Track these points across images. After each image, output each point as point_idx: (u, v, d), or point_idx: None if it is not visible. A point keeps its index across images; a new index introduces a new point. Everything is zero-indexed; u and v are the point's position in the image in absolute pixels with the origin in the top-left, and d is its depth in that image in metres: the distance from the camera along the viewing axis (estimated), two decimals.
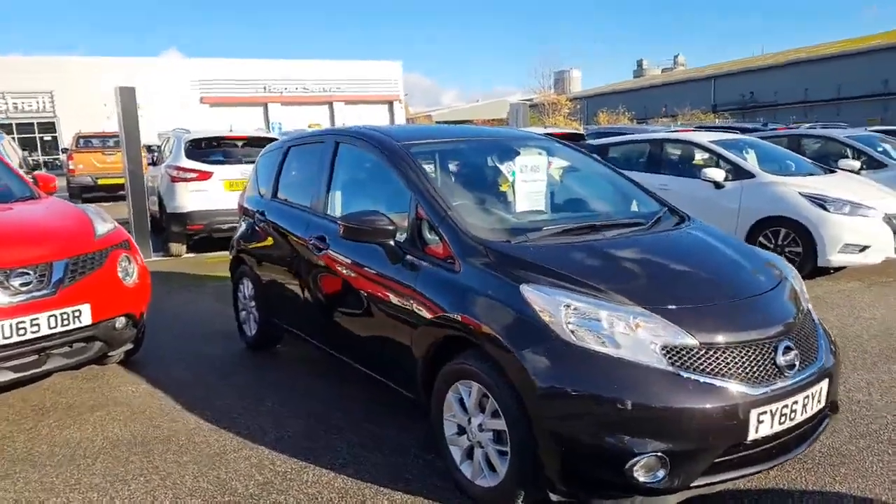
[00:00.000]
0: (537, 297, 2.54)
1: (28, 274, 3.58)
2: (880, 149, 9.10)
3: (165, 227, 9.21)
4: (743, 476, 2.49)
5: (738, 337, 2.47)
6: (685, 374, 2.35)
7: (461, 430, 2.86)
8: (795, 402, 2.48)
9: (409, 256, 3.12)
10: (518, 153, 3.86)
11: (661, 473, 2.32)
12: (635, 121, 43.45)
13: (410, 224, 3.19)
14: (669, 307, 2.51)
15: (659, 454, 2.30)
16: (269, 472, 3.10)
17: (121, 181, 16.45)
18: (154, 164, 10.76)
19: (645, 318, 2.45)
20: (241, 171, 8.81)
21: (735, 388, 2.36)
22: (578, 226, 3.17)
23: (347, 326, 3.65)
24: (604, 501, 2.49)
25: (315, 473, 3.07)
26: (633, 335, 2.41)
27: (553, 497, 2.53)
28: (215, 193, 8.66)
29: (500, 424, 2.61)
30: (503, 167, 3.76)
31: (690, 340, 2.41)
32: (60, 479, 3.07)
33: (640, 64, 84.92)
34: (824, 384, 2.63)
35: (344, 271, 3.56)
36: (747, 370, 2.42)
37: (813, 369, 2.58)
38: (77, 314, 3.72)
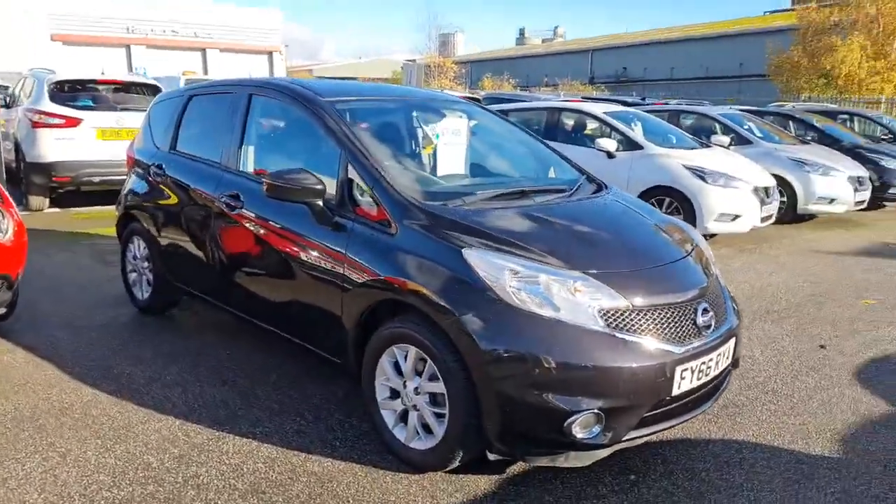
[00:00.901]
0: (481, 261, 2.54)
1: None
2: (746, 126, 9.87)
3: (24, 178, 8.28)
4: (665, 429, 2.66)
5: (663, 299, 2.61)
6: (619, 335, 2.45)
7: (394, 394, 2.84)
8: (710, 360, 2.67)
9: (337, 218, 3.01)
10: (442, 115, 3.81)
11: (596, 429, 2.43)
12: (518, 88, 44.30)
13: (340, 184, 3.06)
14: (603, 271, 2.60)
15: (595, 411, 2.40)
16: (183, 444, 2.92)
17: None
18: (7, 106, 9.60)
19: (583, 281, 2.52)
20: (115, 119, 8.12)
21: (663, 346, 2.50)
22: (509, 191, 3.19)
23: (264, 290, 3.48)
24: (539, 458, 2.57)
25: (236, 443, 2.93)
26: (573, 298, 2.48)
27: (490, 456, 2.59)
28: (85, 142, 7.90)
29: (439, 387, 2.61)
30: (427, 129, 3.70)
31: (623, 303, 2.52)
32: None
33: (521, 32, 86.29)
34: (732, 343, 2.84)
35: (261, 231, 3.37)
36: (672, 330, 2.56)
37: (723, 329, 2.78)
38: None
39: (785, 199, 8.51)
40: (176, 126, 4.28)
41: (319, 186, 2.99)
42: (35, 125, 7.76)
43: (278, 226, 3.27)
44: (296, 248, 3.16)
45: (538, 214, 2.98)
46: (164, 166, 4.20)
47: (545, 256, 2.60)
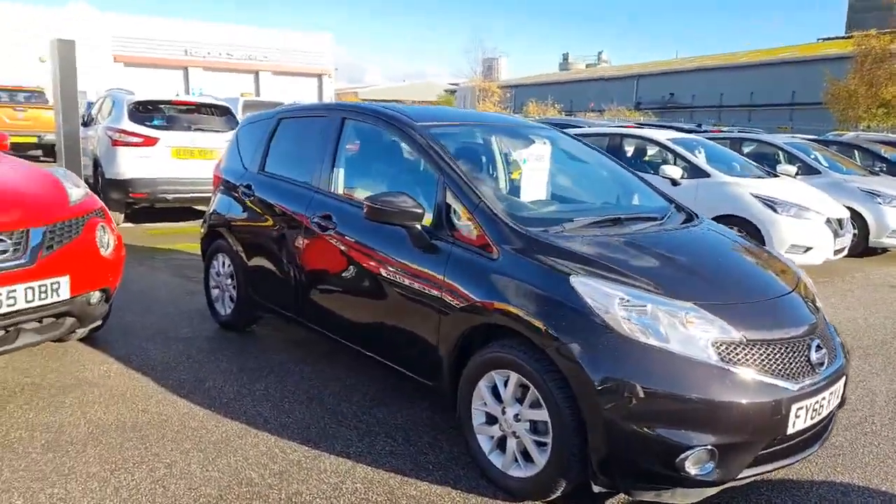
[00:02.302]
0: (589, 288, 2.53)
1: (3, 241, 3.24)
2: (812, 156, 9.67)
3: (101, 193, 8.59)
4: (777, 469, 2.59)
5: (776, 334, 2.56)
6: (733, 369, 2.41)
7: (491, 420, 2.83)
8: (823, 398, 2.59)
9: (435, 241, 3.04)
10: (527, 140, 3.84)
11: (709, 466, 2.38)
12: (563, 113, 44.31)
13: (437, 207, 3.10)
14: (714, 303, 2.56)
15: (709, 447, 2.35)
16: (282, 460, 2.96)
17: (31, 140, 15.42)
18: (85, 125, 10.01)
19: (694, 312, 2.49)
20: (189, 139, 8.40)
21: (779, 383, 2.44)
22: (605, 218, 3.18)
23: (355, 311, 3.52)
24: (644, 492, 2.53)
25: (332, 462, 2.96)
26: (685, 330, 2.44)
27: (595, 488, 2.55)
28: (161, 161, 8.19)
29: (541, 415, 2.59)
30: (515, 154, 3.73)
31: (736, 335, 2.47)
32: (51, 467, 2.81)
33: (565, 57, 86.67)
34: (842, 382, 2.76)
35: (354, 253, 3.42)
36: (787, 366, 2.50)
37: (835, 367, 2.71)
38: (56, 287, 3.41)
39: (856, 231, 8.28)
40: (265, 147, 4.40)
41: (419, 210, 3.03)
42: (115, 143, 8.08)
43: (373, 248, 3.31)
44: (391, 270, 3.20)
45: (639, 243, 2.96)
46: (253, 186, 4.31)
47: (652, 286, 2.58)
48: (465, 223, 2.99)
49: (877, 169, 10.26)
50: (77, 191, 3.88)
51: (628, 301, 2.49)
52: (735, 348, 2.45)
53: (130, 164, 8.06)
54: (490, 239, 2.85)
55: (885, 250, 8.92)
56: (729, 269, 2.97)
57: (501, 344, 2.75)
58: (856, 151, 11.27)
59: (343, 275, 3.52)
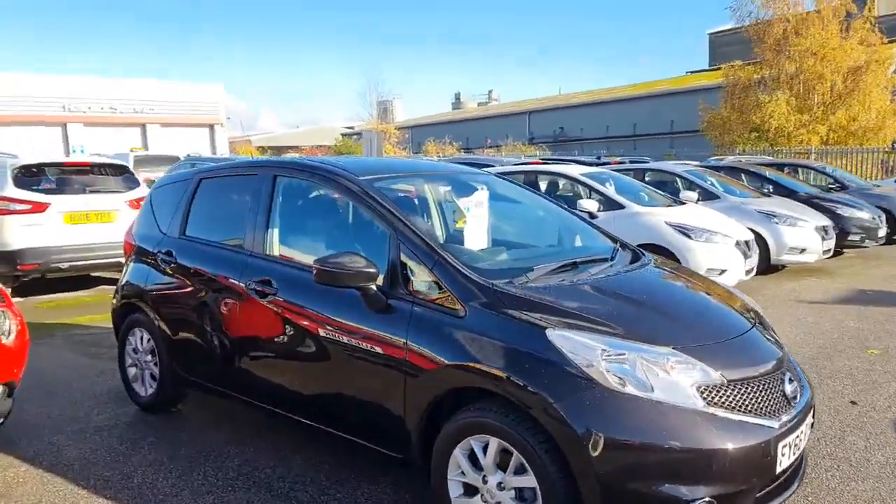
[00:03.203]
0: (567, 341, 2.43)
1: None
2: (709, 182, 10.22)
3: None
4: None
5: (752, 371, 2.55)
6: (720, 413, 2.36)
7: (470, 491, 2.64)
8: (801, 432, 2.59)
9: (392, 301, 2.85)
10: (468, 187, 3.75)
11: None
12: (462, 151, 45.16)
13: (391, 265, 2.92)
14: (690, 345, 2.52)
15: (708, 499, 2.27)
16: None
17: None
18: None
19: (675, 357, 2.43)
20: (84, 202, 7.81)
21: (764, 422, 2.42)
22: (563, 264, 3.11)
23: (305, 383, 3.25)
24: None
25: None
26: (668, 376, 2.38)
27: None
28: (53, 227, 7.53)
29: (528, 481, 2.44)
30: (458, 203, 3.62)
31: (717, 377, 2.43)
32: None
33: (458, 97, 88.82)
34: (811, 413, 2.78)
35: (300, 319, 3.17)
36: (767, 404, 2.49)
37: (805, 398, 2.73)
38: None
39: (758, 251, 8.75)
40: (185, 210, 4.07)
41: (373, 270, 2.84)
42: None
43: (322, 312, 3.08)
44: (345, 336, 2.97)
45: (604, 288, 2.90)
46: (173, 252, 3.96)
47: (629, 333, 2.51)
48: (424, 281, 2.82)
49: (765, 190, 10.97)
50: None
51: (608, 351, 2.41)
52: (717, 390, 2.41)
53: (18, 234, 7.34)
54: (455, 296, 2.70)
55: (783, 267, 9.49)
56: (694, 309, 2.97)
57: (478, 407, 2.58)
58: (742, 175, 12.03)
59: (289, 343, 3.25)
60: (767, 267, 8.99)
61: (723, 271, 7.26)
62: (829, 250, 9.35)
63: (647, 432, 2.28)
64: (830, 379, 4.76)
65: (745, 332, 2.79)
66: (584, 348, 2.41)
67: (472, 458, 2.61)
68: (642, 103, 45.60)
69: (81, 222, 7.68)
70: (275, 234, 3.49)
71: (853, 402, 4.30)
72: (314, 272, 2.87)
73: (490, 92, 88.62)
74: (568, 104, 51.72)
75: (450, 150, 43.50)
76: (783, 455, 2.45)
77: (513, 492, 2.50)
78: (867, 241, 10.42)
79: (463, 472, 2.63)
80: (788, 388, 2.59)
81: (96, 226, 7.80)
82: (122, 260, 7.82)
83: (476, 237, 3.47)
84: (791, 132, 25.00)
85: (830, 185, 12.87)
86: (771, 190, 11.16)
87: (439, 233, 3.49)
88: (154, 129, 42.11)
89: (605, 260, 3.34)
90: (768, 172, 11.99)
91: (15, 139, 31.94)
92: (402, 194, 3.55)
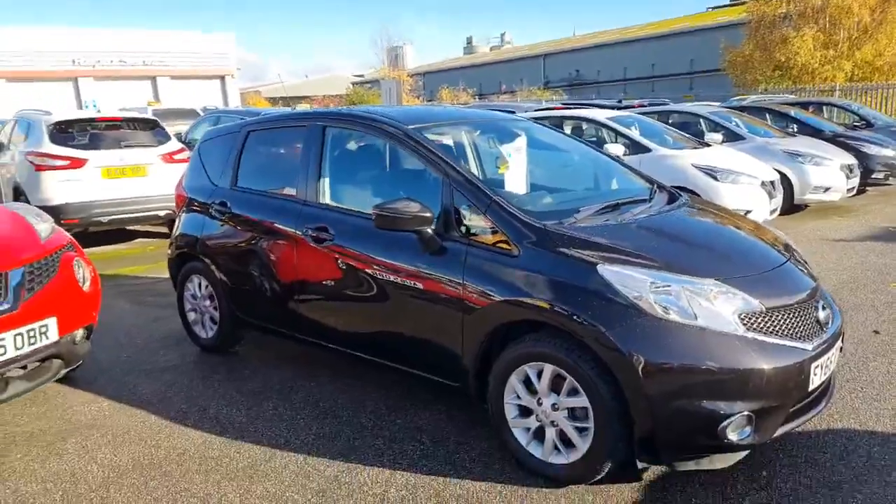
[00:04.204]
0: (619, 276, 2.62)
1: None
2: (734, 122, 10.21)
3: None
4: (800, 425, 2.77)
5: (789, 300, 2.74)
6: (760, 338, 2.56)
7: (525, 412, 2.89)
8: (832, 354, 2.80)
9: (447, 243, 3.05)
10: (509, 134, 3.91)
11: (748, 430, 2.53)
12: (475, 97, 44.70)
13: (444, 210, 3.11)
14: (731, 277, 2.71)
15: (747, 413, 2.50)
16: (318, 478, 2.93)
17: None
18: None
19: (718, 288, 2.62)
20: (119, 157, 8.00)
21: (798, 345, 2.62)
22: (606, 205, 3.28)
23: (366, 321, 3.49)
24: (685, 462, 2.66)
25: (369, 473, 2.95)
26: (711, 305, 2.58)
27: (639, 464, 2.66)
28: (92, 183, 7.75)
29: (581, 402, 2.68)
30: (502, 149, 3.78)
31: (757, 305, 2.63)
32: None
33: (469, 41, 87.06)
34: (841, 338, 2.98)
35: (358, 263, 3.39)
36: (802, 329, 2.69)
37: (836, 324, 2.92)
38: (44, 330, 3.22)
39: (782, 191, 8.82)
40: (235, 162, 4.26)
41: (428, 214, 3.03)
42: (38, 168, 7.57)
43: (379, 256, 3.29)
44: (402, 277, 3.19)
45: (648, 227, 3.08)
46: (228, 203, 4.17)
47: (673, 266, 2.70)
48: (477, 223, 3.02)
49: (790, 130, 10.93)
50: (44, 226, 3.66)
51: (656, 283, 2.60)
52: (757, 317, 2.61)
53: (59, 189, 7.58)
54: (509, 237, 2.89)
55: (807, 206, 9.56)
56: (734, 244, 3.14)
57: (533, 338, 2.80)
58: (767, 114, 11.96)
59: (347, 285, 3.47)
60: (791, 206, 9.08)
61: (748, 211, 7.36)
62: (854, 188, 9.40)
63: (692, 355, 2.49)
64: (854, 311, 4.95)
65: (782, 265, 2.97)
66: (632, 281, 2.60)
67: (527, 384, 2.85)
68: (660, 43, 44.62)
69: (117, 177, 7.90)
70: (327, 183, 3.68)
71: (876, 332, 4.50)
72: (374, 217, 3.07)
73: (503, 35, 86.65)
74: (584, 46, 50.66)
75: (463, 97, 43.10)
76: (815, 375, 2.66)
77: (566, 411, 2.75)
78: (892, 178, 10.41)
79: (518, 396, 2.88)
80: (821, 315, 2.79)
81: (132, 180, 8.02)
82: (159, 213, 8.19)
83: (517, 182, 3.65)
84: (816, 69, 24.46)
85: (856, 123, 12.76)
86: (795, 129, 11.11)
87: (493, 179, 3.66)
88: (164, 82, 41.86)
89: (645, 200, 3.50)
90: (793, 111, 11.90)
91: (28, 95, 32.01)
92: (451, 143, 3.70)
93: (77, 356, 3.65)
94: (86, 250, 8.16)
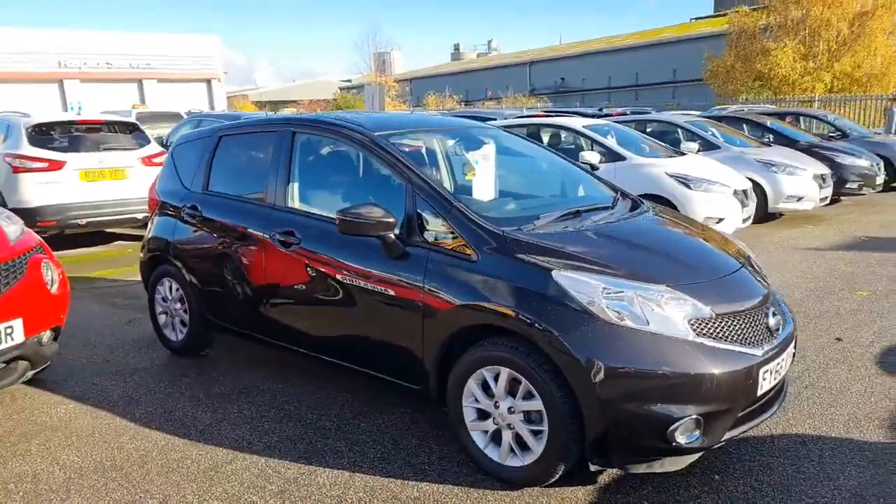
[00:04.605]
0: (573, 282, 2.68)
1: None
2: (710, 132, 10.35)
3: None
4: (749, 429, 2.84)
5: (739, 306, 2.81)
6: (709, 343, 2.63)
7: (483, 415, 2.94)
8: (782, 360, 2.87)
9: (409, 248, 3.10)
10: (476, 141, 3.97)
11: (696, 434, 2.59)
12: (462, 104, 44.87)
13: (407, 215, 3.16)
14: (683, 283, 2.78)
15: (695, 417, 2.56)
16: (278, 479, 2.96)
17: None
18: None
19: (669, 294, 2.69)
20: (98, 160, 7.99)
21: (747, 351, 2.69)
22: (567, 212, 3.34)
23: (331, 324, 3.53)
24: (637, 465, 2.72)
25: (328, 476, 2.98)
26: (662, 311, 2.64)
27: (592, 467, 2.72)
28: (69, 185, 7.75)
29: (535, 405, 2.73)
30: (467, 156, 3.84)
31: (707, 312, 2.70)
32: None
33: (457, 47, 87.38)
34: (793, 343, 3.06)
35: (324, 266, 3.43)
36: (752, 335, 2.76)
37: (787, 330, 3.00)
38: (9, 331, 3.24)
39: (755, 199, 8.95)
40: (208, 167, 4.29)
41: (391, 219, 3.08)
42: (16, 170, 7.54)
43: (343, 260, 3.33)
44: (365, 281, 3.23)
45: (604, 233, 3.15)
46: (198, 207, 4.20)
47: (627, 273, 2.76)
48: (439, 229, 3.07)
49: (766, 139, 11.10)
50: (14, 227, 3.67)
51: (609, 289, 2.67)
52: (707, 323, 2.68)
53: (36, 192, 7.56)
54: (468, 242, 2.95)
55: (780, 215, 9.71)
56: (688, 251, 3.22)
57: (490, 342, 2.86)
58: (744, 124, 12.14)
59: (312, 288, 3.51)
60: (765, 215, 9.22)
61: (720, 220, 7.49)
62: (827, 198, 9.56)
63: (643, 360, 2.55)
64: (819, 318, 5.05)
65: (734, 272, 3.04)
66: (586, 287, 2.67)
67: (485, 387, 2.90)
68: (645, 52, 45.06)
69: (96, 179, 7.90)
70: (296, 187, 3.72)
71: (838, 339, 4.60)
72: (337, 222, 3.11)
73: (490, 42, 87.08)
74: (569, 54, 51.05)
75: (450, 103, 43.25)
76: (764, 380, 2.73)
77: (521, 414, 2.80)
78: (865, 188, 10.61)
79: (476, 399, 2.93)
80: (772, 321, 2.86)
81: (110, 182, 8.01)
82: (136, 216, 8.18)
83: (484, 188, 3.71)
84: (796, 80, 24.84)
85: (831, 134, 12.99)
86: (771, 139, 11.29)
87: (449, 185, 3.72)
88: (151, 85, 41.68)
89: (607, 208, 3.57)
90: (769, 122, 12.10)
91: (12, 97, 31.79)
92: (411, 149, 3.76)
93: (44, 358, 3.66)
94: (64, 252, 8.22)
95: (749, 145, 10.13)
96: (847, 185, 10.45)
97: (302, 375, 4.06)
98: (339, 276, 3.35)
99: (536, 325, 2.67)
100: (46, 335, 3.57)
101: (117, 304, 5.90)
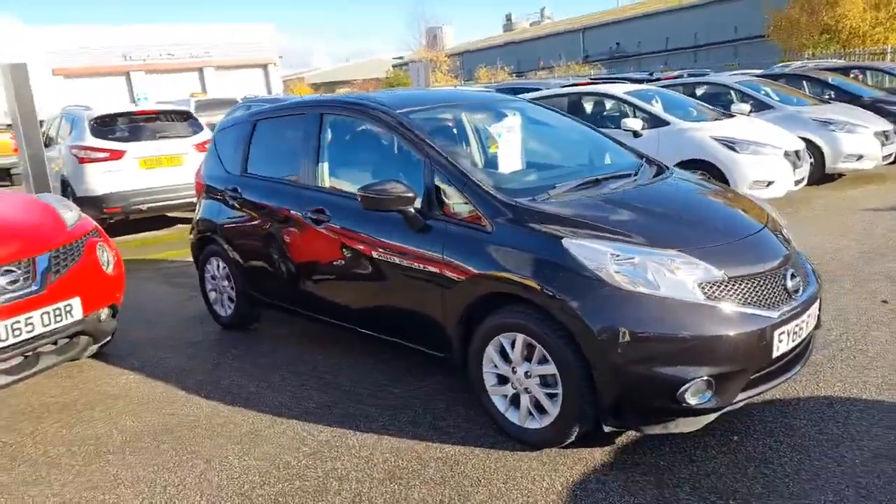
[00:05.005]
0: (581, 248, 2.74)
1: (14, 271, 3.35)
2: (763, 92, 9.99)
3: None
4: (767, 390, 2.85)
5: (755, 269, 2.81)
6: (720, 306, 2.65)
7: (502, 380, 3.05)
8: (802, 322, 2.86)
9: (429, 221, 3.22)
10: (498, 114, 4.02)
11: (707, 395, 2.64)
12: (513, 75, 44.32)
13: (427, 190, 3.27)
14: (696, 248, 2.80)
15: (706, 378, 2.60)
16: (312, 442, 3.16)
17: None
18: (45, 146, 9.86)
19: (680, 259, 2.72)
20: (156, 148, 8.42)
21: (761, 313, 2.70)
22: (585, 181, 3.38)
23: (360, 297, 3.70)
24: (651, 426, 2.78)
25: (359, 438, 3.17)
26: (673, 275, 2.67)
27: (606, 428, 2.80)
28: (130, 173, 8.20)
29: (550, 369, 2.82)
30: (490, 129, 3.91)
31: (719, 275, 2.71)
32: (98, 477, 2.98)
33: (509, 18, 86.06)
34: (816, 305, 3.03)
35: (352, 242, 3.58)
36: (767, 297, 2.76)
37: (809, 292, 2.97)
38: (69, 309, 3.53)
39: (812, 160, 8.64)
40: (245, 150, 4.50)
41: (411, 194, 3.19)
42: (82, 161, 8.04)
43: (370, 235, 3.48)
44: (390, 254, 3.37)
45: (619, 200, 3.18)
46: (239, 189, 4.42)
47: (639, 239, 2.80)
48: (456, 202, 3.17)
49: (826, 97, 10.63)
50: (71, 214, 3.97)
51: (618, 256, 2.71)
52: (719, 286, 2.70)
53: (101, 180, 8.05)
54: (483, 214, 3.04)
55: (840, 175, 9.34)
56: (705, 215, 3.22)
57: (506, 310, 2.95)
58: (804, 82, 11.63)
59: (343, 263, 3.68)
60: (823, 176, 8.89)
61: (770, 183, 7.29)
62: (891, 155, 9.12)
63: (652, 323, 2.60)
64: (867, 281, 4.91)
65: (753, 234, 3.03)
66: (595, 254, 2.72)
67: (503, 353, 3.01)
68: (703, 10, 43.27)
69: (155, 167, 8.32)
70: (325, 167, 3.88)
71: (884, 301, 4.47)
72: (359, 199, 3.26)
73: (542, 10, 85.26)
74: (624, 17, 49.55)
75: (501, 76, 42.79)
76: (780, 342, 2.73)
77: (538, 379, 2.90)
78: None
79: (495, 365, 3.04)
80: (790, 283, 2.85)
81: (168, 169, 8.42)
82: (194, 200, 8.56)
83: (509, 160, 3.78)
84: (866, 32, 23.48)
85: None
86: (832, 96, 10.80)
87: (478, 158, 3.80)
88: (210, 73, 42.89)
89: (628, 175, 3.58)
90: (831, 78, 11.54)
91: (84, 90, 33.40)
92: (438, 125, 3.85)
93: (104, 333, 3.97)
94: (130, 236, 8.72)
95: (806, 104, 9.73)
96: None
97: (342, 347, 4.26)
98: (366, 250, 3.50)
99: (548, 292, 2.75)
100: (104, 312, 3.87)
101: (177, 283, 6.26)
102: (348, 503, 2.69)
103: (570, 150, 4.26)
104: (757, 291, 2.75)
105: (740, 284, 2.73)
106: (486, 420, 3.19)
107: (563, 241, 2.79)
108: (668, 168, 3.80)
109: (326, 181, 3.87)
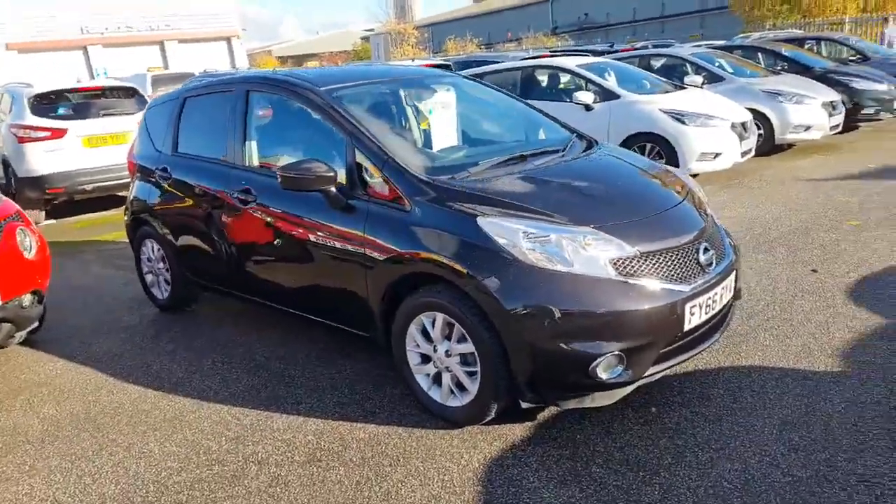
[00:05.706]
0: (495, 227, 2.73)
1: None
2: (717, 63, 10.03)
3: (16, 193, 8.31)
4: (681, 362, 2.89)
5: (667, 244, 2.82)
6: (631, 281, 2.67)
7: (425, 359, 3.05)
8: (715, 294, 2.89)
9: (351, 201, 3.17)
10: (430, 90, 3.97)
11: (619, 369, 2.66)
12: (482, 47, 43.91)
13: (348, 168, 3.22)
14: (609, 224, 2.80)
15: (616, 353, 2.62)
16: (236, 426, 3.13)
17: None
18: None
19: (592, 235, 2.72)
20: (100, 126, 8.18)
21: (671, 287, 2.72)
22: (509, 157, 3.36)
23: (287, 277, 3.66)
24: (568, 401, 2.80)
25: (283, 421, 3.15)
26: (585, 253, 2.68)
27: (523, 404, 2.81)
28: (73, 151, 7.96)
29: (468, 348, 2.82)
30: (420, 105, 3.86)
31: (631, 251, 2.72)
32: (12, 467, 2.92)
33: None
34: (732, 276, 3.07)
35: (278, 222, 3.53)
36: (678, 271, 2.78)
37: (724, 265, 3.01)
38: None
39: (762, 131, 8.73)
40: (175, 129, 4.39)
41: (330, 174, 3.14)
42: (21, 140, 7.78)
43: (295, 214, 3.43)
44: (314, 234, 3.33)
45: (540, 177, 3.16)
46: (168, 169, 4.32)
47: (553, 216, 2.80)
48: (376, 180, 3.13)
49: (779, 68, 10.70)
50: None
51: (532, 233, 2.71)
52: (631, 262, 2.71)
53: (42, 160, 7.80)
54: (402, 192, 3.01)
55: (790, 146, 9.45)
56: (624, 190, 3.22)
57: (427, 289, 2.94)
58: (759, 54, 11.70)
59: (271, 244, 3.62)
60: (773, 146, 8.99)
61: (717, 154, 7.36)
62: (838, 126, 9.24)
63: (563, 300, 2.61)
64: (801, 251, 4.99)
65: (669, 209, 3.04)
66: (508, 232, 2.71)
67: (425, 333, 3.00)
68: None
69: (99, 145, 8.09)
70: (252, 145, 3.80)
71: (814, 271, 4.56)
72: (279, 179, 3.20)
73: None
74: None
75: (470, 47, 42.33)
76: (692, 314, 2.76)
77: (458, 357, 2.90)
78: (882, 112, 10.20)
79: (418, 345, 3.04)
80: (703, 257, 2.87)
81: (113, 147, 8.19)
82: None
83: (442, 136, 3.75)
84: (825, 1, 23.66)
85: (851, 58, 12.44)
86: (785, 67, 10.88)
87: (399, 136, 3.74)
88: (172, 46, 41.69)
89: (556, 151, 3.57)
90: (784, 49, 11.62)
91: (40, 66, 32.26)
92: (366, 102, 3.78)
93: (28, 319, 3.87)
94: (75, 217, 8.51)
95: (758, 75, 9.79)
96: (863, 111, 10.07)
97: (280, 329, 4.21)
98: (292, 231, 3.45)
99: (462, 270, 2.73)
100: (27, 298, 3.77)
101: (119, 265, 6.13)
102: (265, 487, 2.68)
103: (502, 126, 4.23)
104: (669, 266, 2.77)
105: (653, 260, 2.75)
106: (412, 400, 3.20)
107: (478, 219, 2.77)
108: (597, 143, 3.80)
109: (254, 160, 3.79)
